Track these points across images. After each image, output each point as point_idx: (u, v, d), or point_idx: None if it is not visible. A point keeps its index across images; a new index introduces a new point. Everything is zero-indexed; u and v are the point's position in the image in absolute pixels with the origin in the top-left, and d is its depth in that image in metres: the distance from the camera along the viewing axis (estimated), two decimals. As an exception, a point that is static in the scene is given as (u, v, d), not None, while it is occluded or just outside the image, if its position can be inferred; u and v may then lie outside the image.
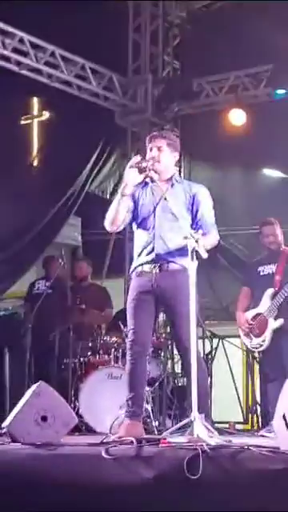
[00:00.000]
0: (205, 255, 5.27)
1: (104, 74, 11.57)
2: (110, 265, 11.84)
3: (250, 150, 11.25)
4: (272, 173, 11.75)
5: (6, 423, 5.32)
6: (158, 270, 5.82)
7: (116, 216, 5.86)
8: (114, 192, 12.62)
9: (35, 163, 11.80)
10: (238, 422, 9.57)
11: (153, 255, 5.84)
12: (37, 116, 12.21)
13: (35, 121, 12.29)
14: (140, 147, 12.05)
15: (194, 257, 5.24)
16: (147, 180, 5.94)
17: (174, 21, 12.57)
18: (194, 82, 11.83)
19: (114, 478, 4.57)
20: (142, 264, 5.90)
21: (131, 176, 5.73)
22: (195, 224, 5.91)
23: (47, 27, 10.47)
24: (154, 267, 5.83)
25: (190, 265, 5.23)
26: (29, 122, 12.10)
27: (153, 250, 5.84)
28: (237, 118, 11.20)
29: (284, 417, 4.54)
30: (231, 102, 11.45)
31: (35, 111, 12.22)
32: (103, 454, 4.65)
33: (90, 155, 11.89)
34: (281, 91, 10.98)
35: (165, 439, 4.84)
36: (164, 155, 5.93)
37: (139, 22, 12.28)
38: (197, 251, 5.24)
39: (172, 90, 11.80)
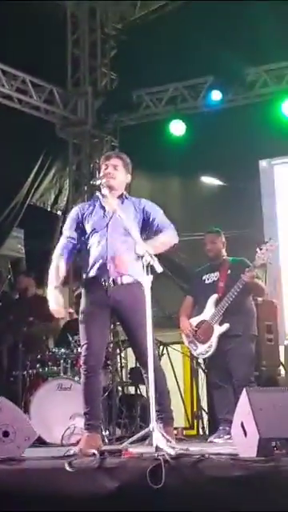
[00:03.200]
0: (159, 270, 5.41)
1: (45, 87, 11.68)
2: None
3: (189, 159, 11.43)
4: (210, 180, 11.92)
5: None
6: (112, 284, 5.92)
7: None
8: (54, 203, 12.71)
9: None
10: (184, 428, 9.69)
11: (106, 268, 5.93)
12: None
13: None
14: (81, 159, 12.18)
15: (149, 271, 5.38)
16: (98, 195, 6.09)
17: (110, 32, 12.71)
18: (134, 93, 11.98)
19: (79, 490, 4.65)
20: (94, 277, 5.98)
21: None
22: (153, 228, 6.06)
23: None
24: (108, 281, 5.93)
25: (145, 279, 5.36)
26: None
27: (105, 263, 5.94)
28: (177, 128, 11.39)
29: (242, 425, 4.68)
30: (171, 112, 11.64)
31: None
32: (66, 466, 4.72)
33: (32, 167, 11.95)
34: (216, 96, 11.17)
35: (127, 450, 4.94)
36: (119, 173, 6.09)
37: (78, 35, 12.42)
38: (152, 266, 5.37)
39: (112, 101, 11.92)
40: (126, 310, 5.92)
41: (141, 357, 5.77)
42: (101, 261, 5.95)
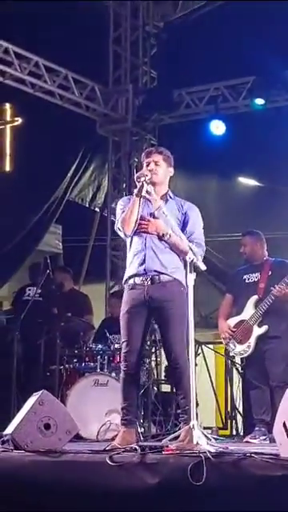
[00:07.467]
0: (203, 267, 5.43)
1: (86, 84, 11.73)
2: (89, 271, 11.99)
3: (228, 159, 11.41)
4: (247, 181, 11.91)
5: (9, 430, 5.40)
6: (149, 283, 5.93)
7: (133, 218, 5.92)
8: (92, 200, 12.77)
9: (7, 169, 11.80)
10: (218, 428, 9.69)
11: (144, 266, 5.94)
12: (9, 122, 12.18)
13: (8, 127, 12.24)
14: (120, 156, 12.22)
15: (192, 269, 5.40)
16: (144, 194, 6.06)
17: (151, 31, 12.72)
18: (175, 92, 11.98)
19: (119, 484, 4.67)
20: (133, 276, 5.99)
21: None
22: (185, 234, 5.96)
23: (31, 38, 10.59)
24: (146, 279, 5.94)
25: (189, 277, 5.37)
26: (1, 127, 12.05)
27: (144, 260, 5.95)
28: (217, 128, 11.38)
29: (284, 425, 4.67)
30: (211, 112, 11.63)
31: (8, 117, 12.19)
32: (107, 460, 4.75)
33: (71, 163, 12.01)
34: (260, 101, 11.16)
35: (168, 446, 4.95)
36: (161, 169, 6.08)
37: (119, 32, 12.44)
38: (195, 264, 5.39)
39: (153, 100, 11.93)
40: (161, 310, 5.92)
41: (170, 357, 5.97)
42: (139, 257, 5.97)
